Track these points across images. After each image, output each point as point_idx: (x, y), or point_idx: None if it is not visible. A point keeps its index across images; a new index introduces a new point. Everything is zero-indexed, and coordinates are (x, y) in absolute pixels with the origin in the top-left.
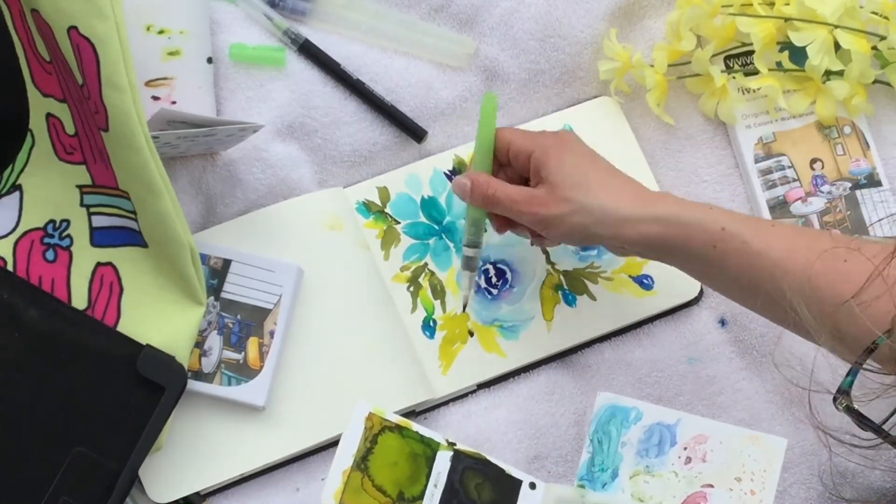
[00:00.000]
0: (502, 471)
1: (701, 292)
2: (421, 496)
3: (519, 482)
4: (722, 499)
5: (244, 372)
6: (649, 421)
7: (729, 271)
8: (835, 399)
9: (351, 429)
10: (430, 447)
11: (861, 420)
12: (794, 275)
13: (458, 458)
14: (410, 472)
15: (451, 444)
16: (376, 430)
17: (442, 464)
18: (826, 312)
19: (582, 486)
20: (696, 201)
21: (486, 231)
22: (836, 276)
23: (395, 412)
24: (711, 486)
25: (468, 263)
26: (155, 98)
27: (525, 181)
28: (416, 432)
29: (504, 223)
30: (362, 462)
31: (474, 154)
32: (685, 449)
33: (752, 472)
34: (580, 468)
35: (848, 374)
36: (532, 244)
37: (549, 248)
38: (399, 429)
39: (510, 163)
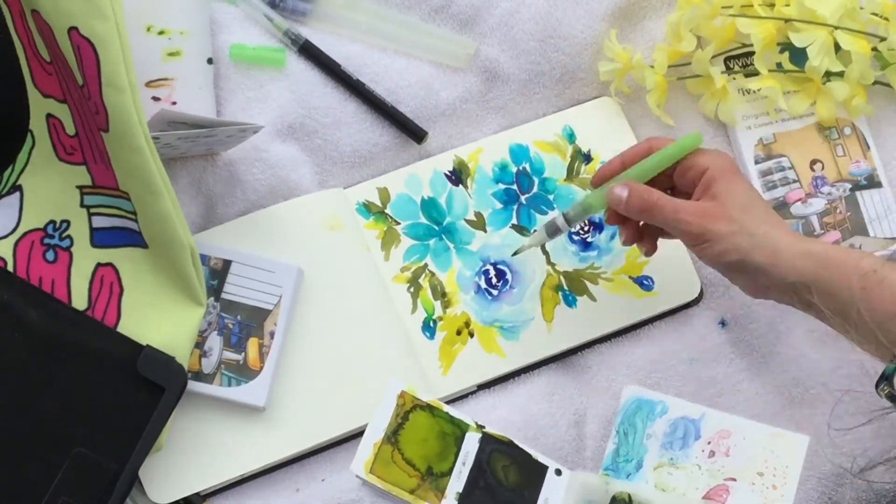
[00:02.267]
0: (529, 455)
1: (701, 293)
2: (449, 472)
3: (545, 468)
4: (744, 492)
5: (244, 372)
6: (675, 415)
7: (873, 313)
8: (877, 385)
9: (383, 404)
10: (460, 428)
11: None
12: None
13: (487, 440)
14: (440, 449)
15: (480, 427)
16: (408, 408)
17: (470, 444)
18: None
19: (606, 475)
20: (850, 248)
21: (588, 217)
22: None
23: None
24: (734, 479)
25: (551, 229)
26: (155, 99)
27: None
28: (447, 413)
29: (633, 235)
30: (393, 436)
31: (635, 167)
32: (709, 443)
33: (775, 467)
34: (605, 458)
35: (891, 360)
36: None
37: (548, 249)
38: (430, 408)
39: (675, 177)
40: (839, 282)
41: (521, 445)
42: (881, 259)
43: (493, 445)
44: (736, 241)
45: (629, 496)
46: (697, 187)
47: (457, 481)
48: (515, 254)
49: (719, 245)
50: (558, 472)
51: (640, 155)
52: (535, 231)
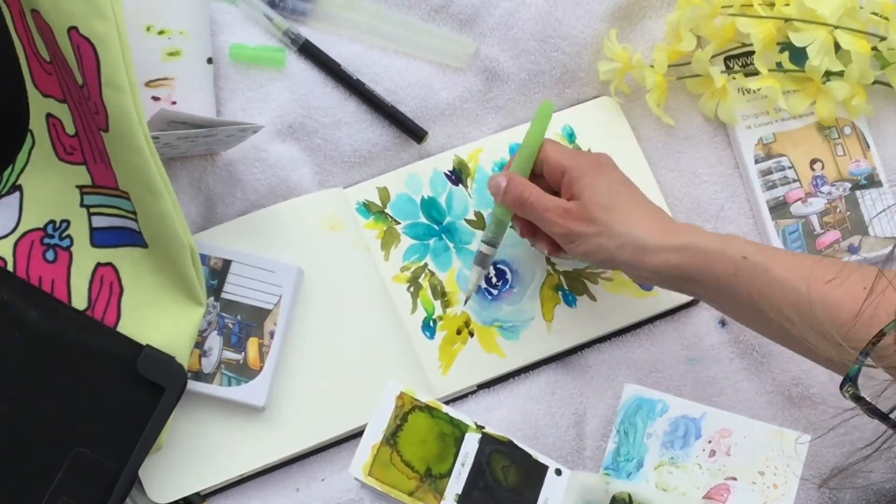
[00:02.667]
0: (529, 455)
1: None
2: (448, 474)
3: (545, 468)
4: (745, 492)
5: (244, 372)
6: (675, 413)
7: (748, 299)
8: (841, 386)
9: (382, 406)
10: (459, 428)
11: (868, 407)
12: (807, 297)
13: (486, 440)
14: (439, 450)
15: (480, 427)
16: (407, 409)
17: (470, 445)
18: (838, 331)
19: (607, 475)
20: (718, 233)
21: (505, 233)
22: (844, 299)
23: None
24: (735, 478)
25: (482, 260)
26: (155, 98)
27: (555, 196)
28: (446, 413)
29: (528, 230)
30: (392, 438)
31: (516, 156)
32: (710, 442)
33: (776, 466)
34: (606, 457)
35: (855, 362)
36: (547, 258)
37: None
38: (429, 409)
39: (542, 175)
40: (712, 273)
41: (520, 445)
42: (749, 243)
43: (492, 446)
44: (600, 241)
45: (629, 496)
46: (562, 188)
47: (456, 482)
48: (466, 301)
49: (584, 245)
50: (558, 472)
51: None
52: (472, 273)
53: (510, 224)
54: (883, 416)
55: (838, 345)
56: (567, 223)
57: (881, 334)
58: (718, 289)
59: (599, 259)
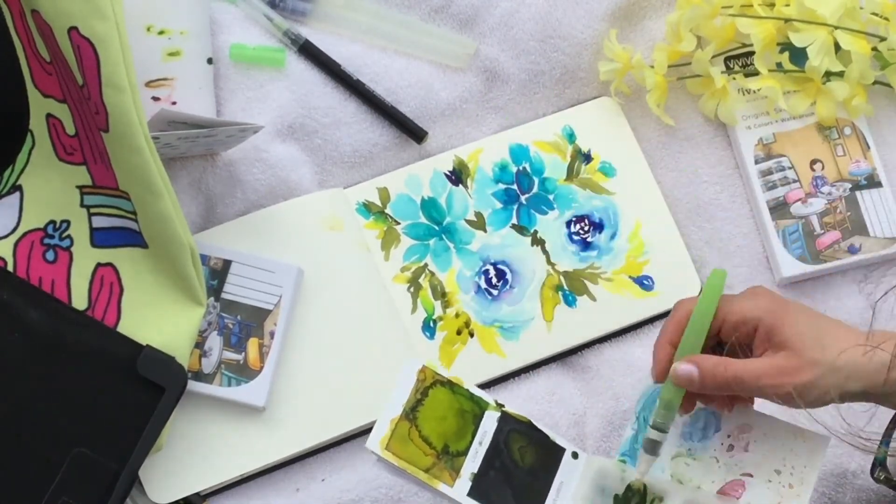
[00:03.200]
0: (546, 437)
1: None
2: (465, 452)
3: (562, 450)
4: (760, 489)
5: (244, 372)
6: (696, 405)
7: None
8: (872, 472)
9: (402, 379)
10: (479, 406)
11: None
12: None
13: (505, 419)
14: (457, 427)
15: (500, 406)
16: (427, 384)
17: (489, 423)
18: None
19: (623, 461)
20: None
21: (676, 416)
22: None
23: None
24: (751, 475)
25: (652, 448)
26: (155, 98)
27: (718, 352)
28: (467, 390)
29: (693, 402)
30: (411, 412)
31: (686, 334)
32: (728, 436)
33: (793, 465)
34: (623, 444)
35: (880, 446)
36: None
37: (548, 249)
38: (450, 384)
39: (723, 336)
40: None
41: (539, 426)
42: None
43: (511, 425)
44: (827, 382)
45: (644, 486)
46: (756, 342)
47: (472, 461)
48: (643, 474)
49: (814, 392)
50: (575, 455)
51: (682, 323)
52: (640, 460)
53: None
54: None
55: None
56: (786, 380)
57: None
58: None
59: (831, 398)
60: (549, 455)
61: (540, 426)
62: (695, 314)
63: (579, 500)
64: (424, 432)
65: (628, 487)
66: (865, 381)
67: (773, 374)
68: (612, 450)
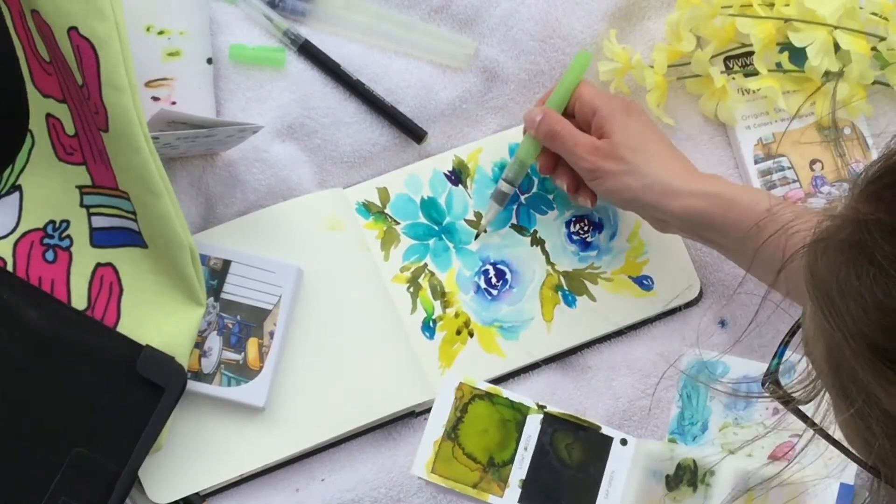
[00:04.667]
0: (593, 429)
1: (701, 293)
2: (511, 460)
3: (610, 439)
4: (809, 447)
5: (244, 372)
6: (736, 374)
7: (767, 251)
8: (762, 383)
9: (441, 400)
10: (521, 412)
11: (791, 407)
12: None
13: (549, 420)
14: (500, 437)
15: (542, 407)
16: (466, 399)
17: (532, 427)
18: None
19: (673, 441)
20: (745, 185)
21: (525, 173)
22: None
23: (395, 413)
24: (799, 435)
25: (500, 197)
26: (155, 99)
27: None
28: (507, 398)
29: (549, 166)
30: (452, 431)
31: (551, 94)
32: (772, 400)
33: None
34: (671, 423)
35: (774, 357)
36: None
37: (548, 249)
38: (489, 396)
39: (574, 114)
40: (734, 221)
41: (585, 419)
42: (776, 198)
43: (555, 425)
44: (626, 181)
45: (694, 462)
46: (592, 128)
47: (519, 468)
48: (477, 236)
49: (611, 182)
50: (623, 442)
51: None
52: (488, 208)
53: (532, 165)
54: (804, 417)
55: None
56: (595, 159)
57: (797, 326)
58: (738, 238)
59: (623, 198)
60: (597, 447)
61: (586, 418)
62: (562, 78)
63: (631, 486)
64: (468, 449)
65: (678, 466)
66: (660, 198)
67: (588, 149)
68: None
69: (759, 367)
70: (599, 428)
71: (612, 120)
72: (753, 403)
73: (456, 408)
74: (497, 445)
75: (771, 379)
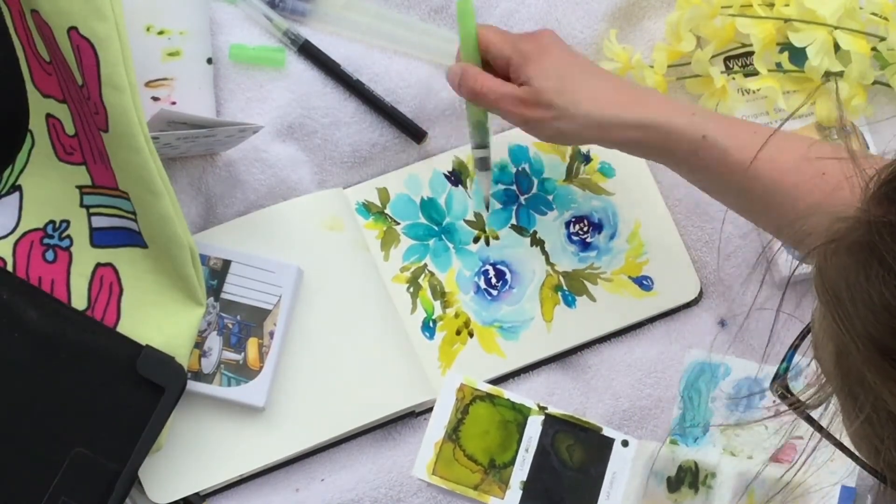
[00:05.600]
0: (594, 430)
1: (701, 293)
2: (512, 462)
3: (611, 441)
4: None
5: (244, 372)
6: (738, 376)
7: (709, 175)
8: (770, 385)
9: (442, 401)
10: (522, 413)
11: (798, 409)
12: (770, 183)
13: (550, 422)
14: (501, 439)
15: (543, 409)
16: (467, 401)
17: (533, 428)
18: (794, 218)
19: (674, 442)
20: (680, 103)
21: (489, 130)
22: (810, 185)
23: (395, 413)
24: (801, 437)
25: (482, 164)
26: (155, 99)
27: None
28: (508, 399)
29: None
30: (454, 433)
31: (460, 48)
32: (774, 402)
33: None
34: (672, 425)
35: (783, 360)
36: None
37: (548, 250)
38: (490, 397)
39: (489, 64)
40: (672, 150)
41: (586, 420)
42: (711, 117)
43: (556, 427)
44: (558, 126)
45: (695, 464)
46: (510, 76)
47: (520, 469)
48: (488, 206)
49: (547, 129)
50: (625, 444)
51: None
52: (479, 180)
53: (488, 121)
54: (812, 421)
55: (792, 236)
56: (523, 111)
57: (807, 331)
58: (678, 162)
59: (563, 142)
60: (598, 448)
61: (587, 419)
62: (459, 31)
63: (633, 488)
64: (469, 450)
65: (680, 468)
66: (597, 133)
67: (511, 102)
68: None
69: (760, 369)
70: (601, 429)
71: (527, 65)
72: (755, 405)
73: (457, 409)
74: (498, 447)
75: (780, 382)
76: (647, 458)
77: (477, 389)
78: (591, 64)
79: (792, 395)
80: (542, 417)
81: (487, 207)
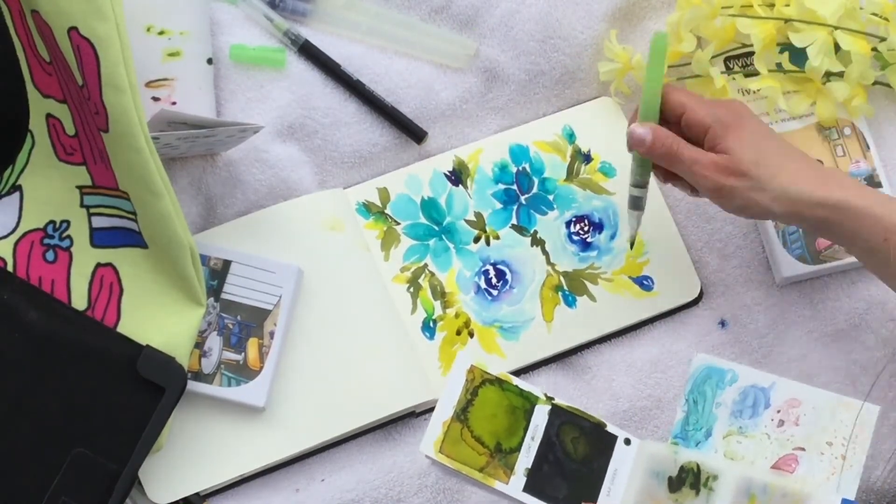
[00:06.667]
0: (598, 426)
1: (701, 293)
2: (518, 448)
3: (614, 438)
4: (812, 462)
5: (244, 373)
6: (744, 383)
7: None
8: None
9: (452, 381)
10: (529, 401)
11: None
12: None
13: (556, 412)
14: (508, 424)
15: (550, 399)
16: (477, 383)
17: (540, 417)
18: None
19: (675, 444)
20: (876, 191)
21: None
22: None
23: (395, 413)
24: (803, 449)
25: (636, 203)
26: (155, 99)
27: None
28: (516, 386)
29: (670, 174)
30: (462, 413)
31: (641, 104)
32: (778, 412)
33: (844, 437)
34: (675, 426)
35: None
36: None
37: (548, 250)
38: (499, 382)
39: (680, 126)
40: (862, 234)
41: (591, 415)
42: None
43: (562, 418)
44: (752, 196)
45: (697, 465)
46: (705, 143)
47: (525, 457)
48: (632, 244)
49: (738, 200)
50: (627, 442)
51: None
52: (630, 218)
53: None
54: None
55: None
56: (718, 177)
57: None
58: (867, 249)
59: (752, 213)
60: (601, 444)
61: (592, 414)
62: (645, 81)
63: (633, 485)
64: (476, 432)
65: (681, 469)
66: (787, 209)
67: (707, 166)
68: None
69: (768, 378)
70: (605, 425)
71: (727, 134)
72: (760, 414)
73: (466, 390)
74: (505, 431)
75: None
76: (649, 457)
77: (486, 373)
78: (785, 141)
79: None
80: (549, 407)
81: (632, 246)
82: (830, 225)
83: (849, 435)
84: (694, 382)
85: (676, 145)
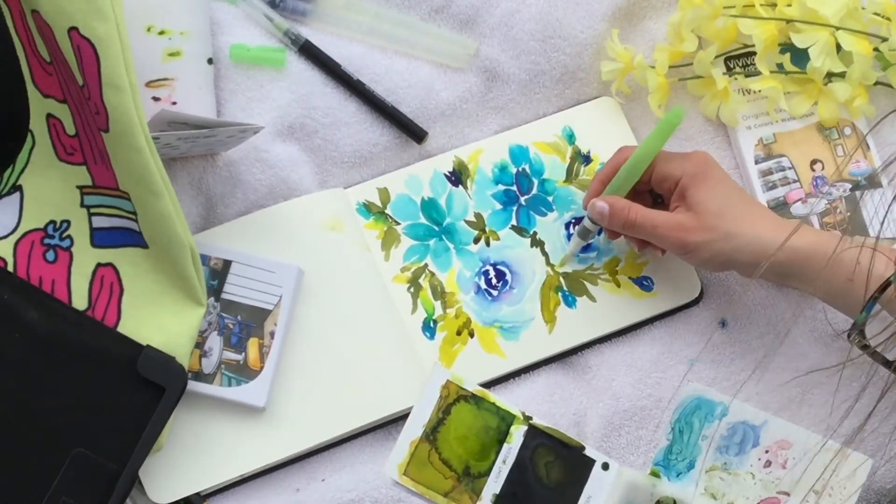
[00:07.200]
0: (576, 450)
1: (701, 293)
2: (487, 472)
3: (592, 462)
4: (799, 496)
5: (244, 373)
6: (734, 418)
7: (858, 300)
8: (849, 335)
9: (425, 397)
10: (505, 421)
11: (874, 355)
12: None
13: (532, 434)
14: (480, 447)
15: (528, 418)
16: (451, 400)
17: (514, 439)
18: None
19: (656, 473)
20: (830, 233)
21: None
22: None
23: (395, 413)
24: (787, 494)
25: (584, 233)
26: (155, 99)
27: (647, 199)
28: (493, 403)
29: (643, 242)
30: (432, 433)
31: (621, 172)
32: (767, 452)
33: (832, 486)
34: (657, 454)
35: (862, 310)
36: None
37: (548, 250)
38: (475, 399)
39: (650, 185)
40: (824, 275)
41: (569, 436)
42: (859, 246)
43: (538, 440)
44: (717, 248)
45: (674, 501)
46: (673, 197)
47: (494, 482)
48: (562, 264)
49: (702, 253)
50: (605, 467)
51: (616, 166)
52: (574, 240)
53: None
54: (886, 363)
55: None
56: (682, 235)
57: (887, 283)
58: (831, 292)
59: (718, 263)
60: (577, 468)
61: (571, 435)
62: (633, 156)
63: None
64: (445, 455)
65: (658, 502)
66: (752, 258)
67: (670, 227)
68: (611, 450)
69: (760, 415)
70: (583, 448)
71: (693, 186)
72: (747, 452)
73: (439, 408)
74: (475, 455)
75: (857, 330)
76: (626, 486)
77: (462, 389)
78: (746, 193)
79: (866, 339)
80: (526, 427)
81: (563, 263)
82: (792, 270)
83: (837, 486)
84: (682, 412)
85: (634, 214)
